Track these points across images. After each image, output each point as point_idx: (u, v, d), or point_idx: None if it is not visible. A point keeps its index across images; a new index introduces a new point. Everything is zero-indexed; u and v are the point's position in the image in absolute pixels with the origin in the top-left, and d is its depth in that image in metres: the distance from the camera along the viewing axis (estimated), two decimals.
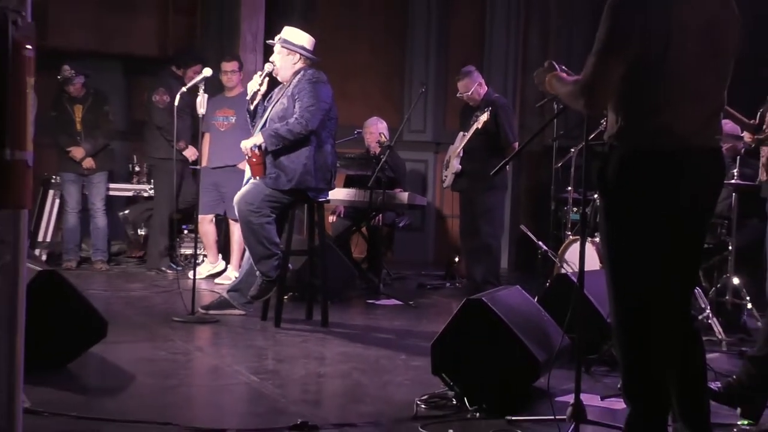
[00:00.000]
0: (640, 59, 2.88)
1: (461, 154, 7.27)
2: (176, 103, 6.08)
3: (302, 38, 5.84)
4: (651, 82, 2.91)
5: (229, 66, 7.58)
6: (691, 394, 3.05)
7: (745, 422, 3.66)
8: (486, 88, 7.36)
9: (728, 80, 3.04)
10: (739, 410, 3.70)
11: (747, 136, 4.34)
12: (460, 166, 7.28)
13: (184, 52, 8.18)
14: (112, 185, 8.47)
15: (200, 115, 6.12)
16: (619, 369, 3.14)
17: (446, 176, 7.54)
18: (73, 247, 8.03)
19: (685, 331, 3.07)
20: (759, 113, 4.33)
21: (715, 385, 3.92)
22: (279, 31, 5.91)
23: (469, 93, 7.24)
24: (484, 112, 6.93)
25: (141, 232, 8.60)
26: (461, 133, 7.35)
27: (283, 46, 5.79)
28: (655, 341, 2.97)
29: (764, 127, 3.50)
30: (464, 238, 7.61)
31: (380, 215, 7.74)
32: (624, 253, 2.99)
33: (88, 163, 7.91)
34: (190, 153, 7.87)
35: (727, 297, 5.88)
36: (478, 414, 3.78)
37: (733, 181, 5.58)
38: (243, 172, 6.13)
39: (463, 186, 7.39)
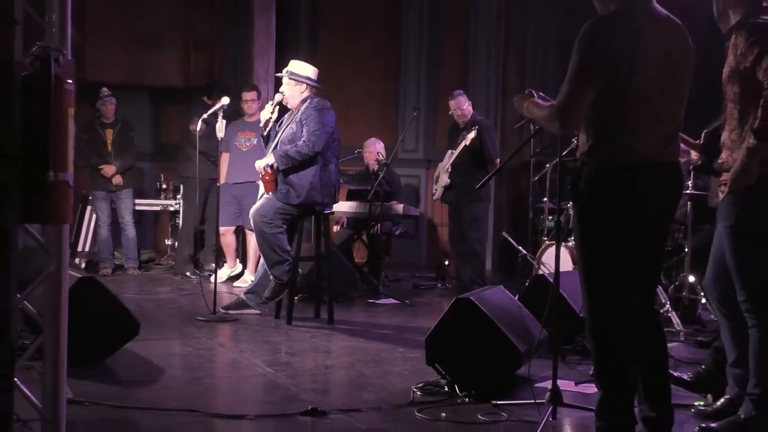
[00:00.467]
0: (608, 86, 2.88)
1: (450, 170, 7.28)
2: (198, 127, 6.10)
3: (307, 69, 5.85)
4: (617, 107, 2.91)
5: (249, 95, 7.64)
6: (655, 378, 3.05)
7: (702, 403, 3.66)
8: (472, 110, 7.41)
9: (685, 104, 3.05)
10: (710, 397, 3.69)
11: (693, 154, 4.34)
12: (449, 180, 7.28)
13: (214, 85, 8.19)
14: (141, 201, 8.52)
15: (219, 138, 6.16)
16: (591, 358, 3.14)
17: (436, 189, 7.54)
18: (107, 256, 8.02)
19: (649, 323, 3.07)
20: (703, 134, 4.33)
21: (686, 375, 3.93)
22: (287, 65, 5.92)
23: (463, 108, 7.31)
24: (471, 131, 6.95)
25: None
26: (449, 151, 7.36)
27: (290, 78, 5.79)
28: (623, 333, 2.97)
29: (719, 159, 3.46)
30: (453, 244, 7.61)
31: (379, 224, 7.74)
32: (596, 256, 2.99)
33: (117, 179, 7.93)
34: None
35: (684, 293, 5.89)
36: (467, 399, 3.78)
37: (688, 191, 5.59)
38: (258, 187, 6.13)
39: (451, 198, 7.39)
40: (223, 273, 7.77)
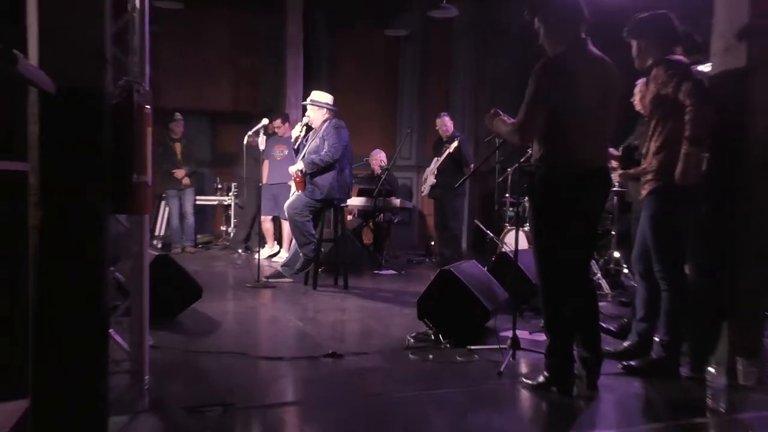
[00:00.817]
0: (554, 110, 2.89)
1: (435, 173, 7.30)
2: (245, 141, 6.12)
3: (326, 97, 5.86)
4: (562, 125, 2.92)
5: (277, 123, 7.68)
6: (589, 329, 3.07)
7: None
8: (452, 127, 7.45)
9: (614, 122, 3.06)
10: (627, 342, 3.70)
11: (614, 163, 4.32)
12: (435, 180, 7.31)
13: (269, 112, 8.17)
14: (201, 197, 8.56)
15: (261, 149, 6.19)
16: (541, 313, 3.16)
17: (425, 188, 7.55)
18: (177, 239, 8.07)
19: (586, 287, 3.09)
20: (621, 148, 4.29)
21: (612, 326, 3.94)
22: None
23: (447, 125, 7.41)
24: (453, 142, 7.01)
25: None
26: (435, 158, 7.39)
27: (313, 104, 5.82)
28: (565, 294, 2.99)
29: (642, 165, 3.44)
30: (437, 230, 7.63)
31: (382, 215, 7.75)
32: (546, 238, 3.00)
33: (186, 181, 8.00)
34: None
35: (611, 265, 5.90)
36: (448, 345, 3.80)
37: (614, 188, 5.59)
38: (290, 187, 6.15)
39: (436, 194, 7.40)
40: (264, 251, 7.80)
